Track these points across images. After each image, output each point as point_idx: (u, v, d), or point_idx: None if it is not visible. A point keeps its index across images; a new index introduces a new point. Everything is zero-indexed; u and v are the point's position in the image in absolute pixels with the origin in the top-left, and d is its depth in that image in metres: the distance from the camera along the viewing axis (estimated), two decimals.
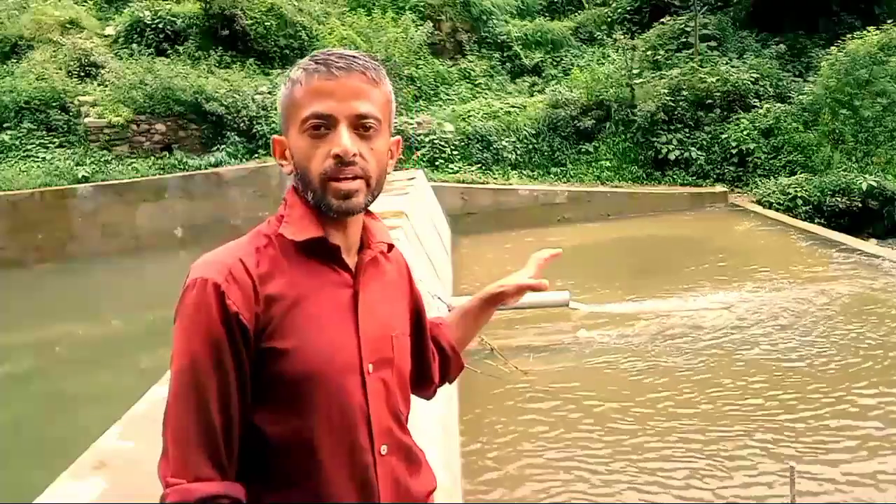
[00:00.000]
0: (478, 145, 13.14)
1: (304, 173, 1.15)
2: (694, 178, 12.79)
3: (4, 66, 13.34)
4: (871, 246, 9.42)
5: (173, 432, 1.06)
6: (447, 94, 15.08)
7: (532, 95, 14.89)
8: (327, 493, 1.10)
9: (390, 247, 1.32)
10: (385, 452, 1.17)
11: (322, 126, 1.13)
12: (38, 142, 12.15)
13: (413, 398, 1.35)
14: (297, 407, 1.10)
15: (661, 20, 15.40)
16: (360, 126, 1.14)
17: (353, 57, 1.15)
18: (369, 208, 1.23)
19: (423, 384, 1.46)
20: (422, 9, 15.83)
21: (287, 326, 1.10)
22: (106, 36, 14.36)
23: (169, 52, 13.62)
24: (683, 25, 14.98)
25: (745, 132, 12.73)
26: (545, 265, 1.57)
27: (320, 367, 1.11)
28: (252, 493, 1.08)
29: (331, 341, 1.13)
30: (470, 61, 15.94)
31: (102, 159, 11.97)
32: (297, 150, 1.16)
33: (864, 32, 12.31)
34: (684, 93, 13.11)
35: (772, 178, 12.14)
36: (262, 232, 1.18)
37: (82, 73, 13.13)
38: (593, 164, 13.17)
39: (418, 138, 12.82)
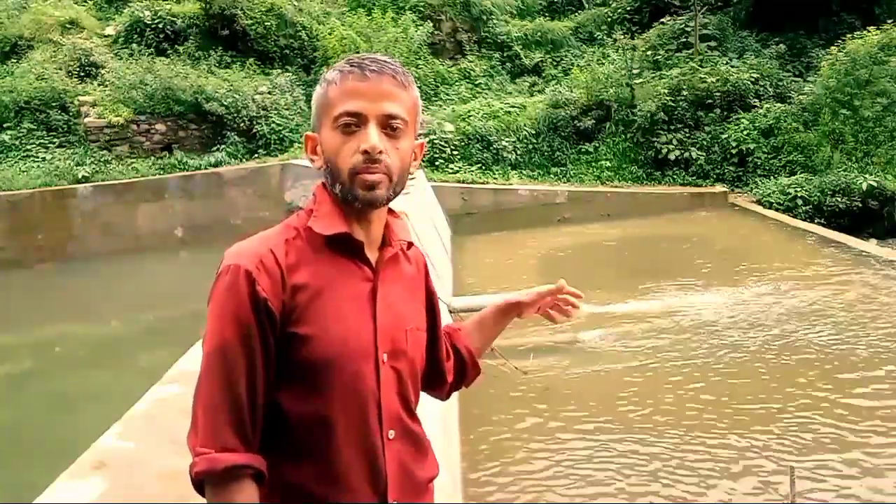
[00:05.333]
0: (478, 145, 13.13)
1: (334, 167, 1.22)
2: (694, 178, 12.76)
3: (4, 66, 13.34)
4: (871, 246, 9.42)
5: (204, 406, 1.14)
6: (447, 94, 15.07)
7: (532, 95, 14.88)
8: (338, 468, 1.18)
9: (410, 244, 1.37)
10: (393, 437, 1.23)
11: (353, 124, 1.20)
12: (38, 142, 12.15)
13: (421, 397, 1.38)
14: (315, 388, 1.18)
15: (661, 20, 15.38)
16: (388, 125, 1.21)
17: (385, 61, 1.23)
18: (392, 207, 1.30)
19: (436, 382, 1.50)
20: (422, 9, 15.82)
21: (310, 314, 1.17)
22: (106, 36, 14.35)
23: (169, 52, 13.61)
24: (683, 25, 14.96)
25: (745, 132, 12.71)
26: (550, 303, 1.58)
27: (338, 353, 1.18)
28: (271, 464, 1.15)
29: (349, 330, 1.20)
30: (470, 61, 15.93)
31: (102, 159, 11.97)
32: (329, 146, 1.23)
33: (865, 32, 12.29)
34: (684, 93, 13.08)
35: (772, 178, 12.12)
36: (291, 225, 1.25)
37: (82, 73, 13.12)
38: (593, 164, 13.16)
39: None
